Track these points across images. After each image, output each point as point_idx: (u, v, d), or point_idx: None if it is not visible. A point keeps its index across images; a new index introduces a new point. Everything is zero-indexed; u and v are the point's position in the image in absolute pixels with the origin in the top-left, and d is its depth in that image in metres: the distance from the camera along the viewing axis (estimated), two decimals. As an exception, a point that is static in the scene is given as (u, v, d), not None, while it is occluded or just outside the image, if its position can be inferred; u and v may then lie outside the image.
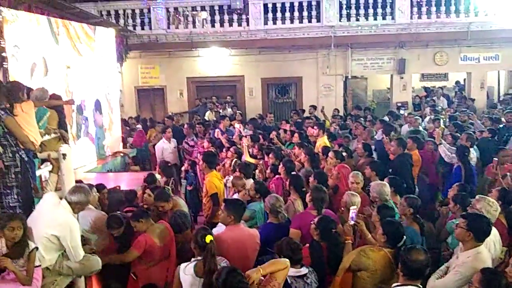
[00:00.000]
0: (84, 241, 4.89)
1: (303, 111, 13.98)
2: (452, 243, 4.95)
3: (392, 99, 15.65)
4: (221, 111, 14.61)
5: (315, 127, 9.62)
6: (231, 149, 8.34)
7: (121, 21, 14.30)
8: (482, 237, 3.97)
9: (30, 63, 7.95)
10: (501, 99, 16.20)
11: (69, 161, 5.53)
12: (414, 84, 16.64)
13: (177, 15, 14.47)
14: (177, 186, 6.25)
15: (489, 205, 4.69)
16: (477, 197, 4.89)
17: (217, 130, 10.61)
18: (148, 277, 4.84)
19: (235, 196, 6.16)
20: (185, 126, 11.13)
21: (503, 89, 17.34)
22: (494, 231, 4.59)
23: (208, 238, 3.84)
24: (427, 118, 11.44)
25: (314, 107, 13.62)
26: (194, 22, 14.41)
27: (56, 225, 4.42)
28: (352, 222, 4.54)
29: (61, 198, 4.75)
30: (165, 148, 10.16)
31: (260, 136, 9.43)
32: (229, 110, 14.69)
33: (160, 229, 4.98)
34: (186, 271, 3.94)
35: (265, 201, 5.32)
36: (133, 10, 14.48)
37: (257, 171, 7.50)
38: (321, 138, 9.21)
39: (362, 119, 11.42)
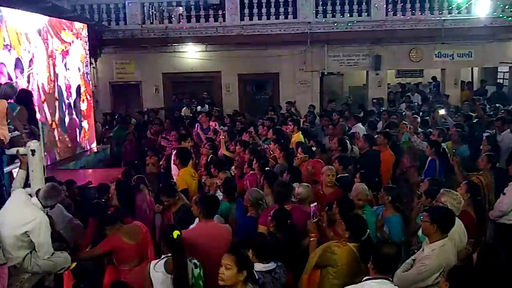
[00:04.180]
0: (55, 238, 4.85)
1: (280, 107, 14.01)
2: (422, 236, 5.02)
3: (368, 95, 15.77)
4: (199, 107, 14.51)
5: (290, 123, 9.64)
6: (206, 145, 8.31)
7: (96, 16, 14.13)
8: (446, 229, 4.05)
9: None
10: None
11: (39, 157, 5.45)
12: (389, 81, 16.80)
13: (152, 10, 14.33)
14: (139, 184, 6.20)
15: (452, 198, 4.76)
16: (441, 190, 4.95)
17: (197, 125, 10.54)
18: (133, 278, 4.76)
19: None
20: (167, 121, 11.07)
21: (476, 86, 17.61)
22: (459, 223, 4.68)
23: (175, 233, 3.81)
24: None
25: (291, 103, 13.67)
26: (170, 18, 14.30)
27: (26, 223, 4.39)
28: (315, 219, 4.57)
29: (30, 195, 4.70)
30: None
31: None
32: (206, 106, 14.59)
33: (131, 229, 4.92)
34: (157, 268, 3.90)
35: (246, 194, 5.40)
36: (107, 5, 14.28)
37: (233, 167, 7.48)
38: (296, 134, 9.25)
39: (336, 113, 11.48)
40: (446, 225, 4.04)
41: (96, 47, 13.51)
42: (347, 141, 8.57)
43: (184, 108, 14.20)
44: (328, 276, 4.06)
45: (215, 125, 10.01)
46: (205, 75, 15.60)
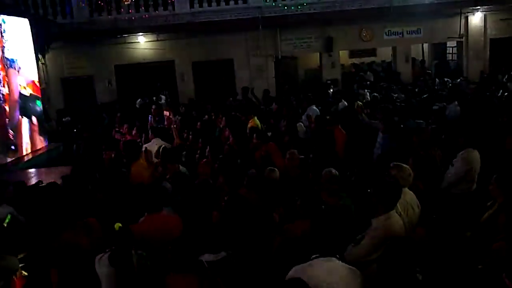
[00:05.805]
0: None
1: (236, 93, 13.96)
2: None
3: (323, 77, 15.88)
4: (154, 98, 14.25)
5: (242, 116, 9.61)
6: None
7: (40, 11, 13.67)
8: (390, 205, 4.10)
9: None
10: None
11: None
12: (344, 61, 16.95)
13: (99, 2, 13.96)
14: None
15: (403, 171, 4.84)
16: (392, 164, 5.03)
17: (150, 116, 10.37)
18: None
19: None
20: (119, 114, 10.86)
21: (428, 62, 18.00)
22: (411, 195, 4.77)
23: (117, 226, 3.75)
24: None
25: (247, 89, 13.61)
26: (118, 8, 13.97)
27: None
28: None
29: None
30: None
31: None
32: (163, 97, 14.35)
33: (84, 225, 4.81)
34: (101, 262, 3.83)
35: None
36: (52, -1, 13.84)
37: (184, 153, 7.43)
38: (252, 119, 9.23)
39: (292, 97, 11.54)
40: (388, 200, 4.08)
41: (43, 43, 13.08)
42: (301, 123, 8.66)
43: (139, 100, 13.94)
44: (283, 252, 4.05)
45: (169, 114, 9.88)
46: (159, 65, 15.37)
